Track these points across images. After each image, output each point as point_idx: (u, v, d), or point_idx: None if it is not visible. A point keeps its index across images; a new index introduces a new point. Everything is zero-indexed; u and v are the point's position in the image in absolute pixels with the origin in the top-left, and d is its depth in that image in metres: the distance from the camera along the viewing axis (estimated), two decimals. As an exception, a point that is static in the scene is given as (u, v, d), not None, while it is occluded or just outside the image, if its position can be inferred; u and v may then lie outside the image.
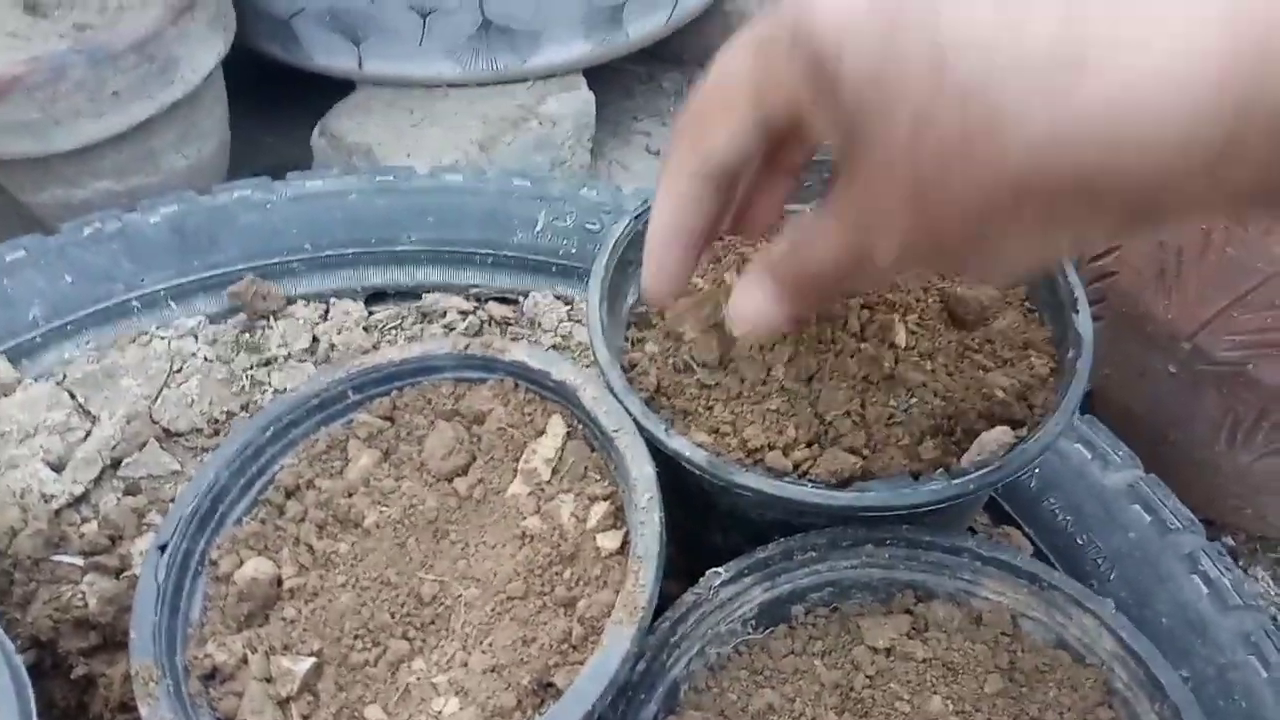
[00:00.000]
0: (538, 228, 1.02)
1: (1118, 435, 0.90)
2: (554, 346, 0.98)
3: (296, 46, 1.45)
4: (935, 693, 0.59)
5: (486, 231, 1.02)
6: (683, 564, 0.71)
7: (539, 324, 1.00)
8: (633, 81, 1.86)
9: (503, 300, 1.03)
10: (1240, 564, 1.16)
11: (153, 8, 1.19)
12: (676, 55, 1.90)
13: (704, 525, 0.73)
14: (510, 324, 1.02)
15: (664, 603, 0.62)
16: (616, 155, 1.72)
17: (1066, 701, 0.59)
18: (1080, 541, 0.83)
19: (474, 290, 1.02)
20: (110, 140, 1.20)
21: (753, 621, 0.65)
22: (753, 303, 0.48)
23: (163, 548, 0.65)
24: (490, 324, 1.02)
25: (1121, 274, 1.00)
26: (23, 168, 1.21)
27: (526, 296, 1.02)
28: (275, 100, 1.63)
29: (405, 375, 0.72)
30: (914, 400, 0.69)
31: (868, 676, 0.61)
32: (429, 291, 1.02)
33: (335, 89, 1.54)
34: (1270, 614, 0.78)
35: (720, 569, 0.64)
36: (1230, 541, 1.18)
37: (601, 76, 1.63)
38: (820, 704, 0.60)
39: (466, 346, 0.71)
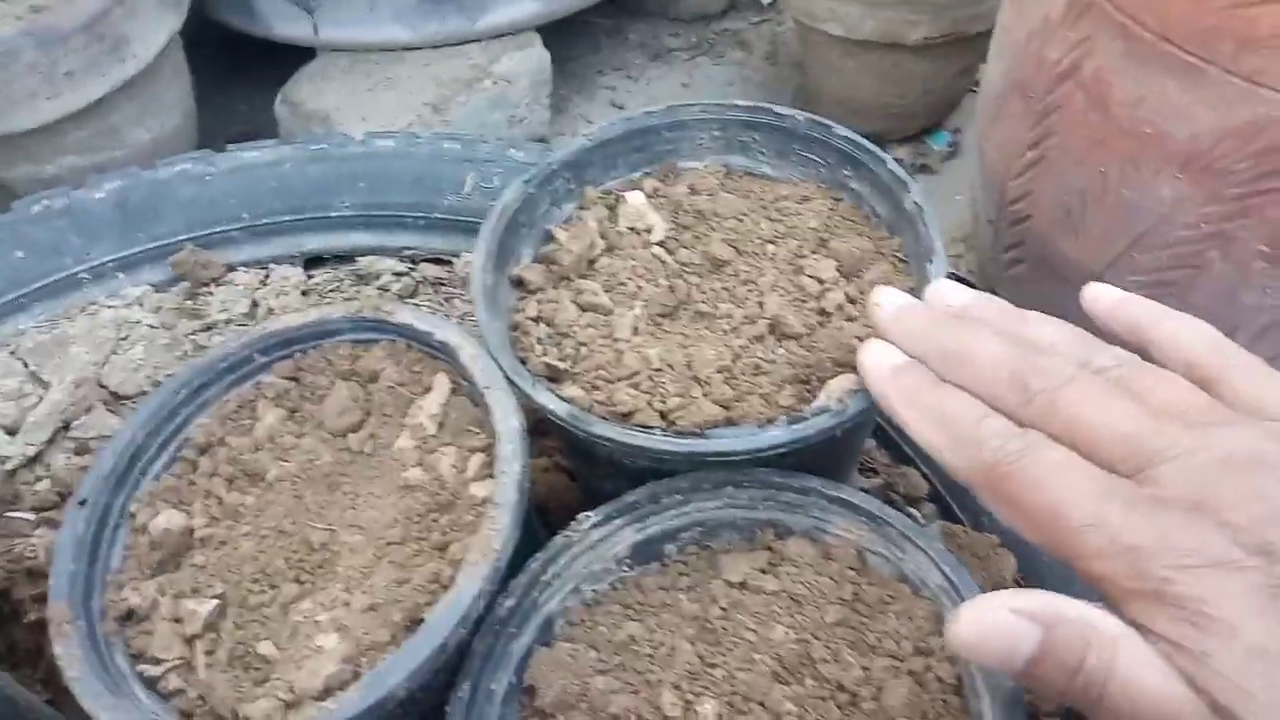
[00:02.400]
0: (466, 189, 1.06)
1: None
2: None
3: (255, 17, 1.48)
4: (779, 622, 0.64)
5: (417, 194, 1.06)
6: (583, 509, 0.76)
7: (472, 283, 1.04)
8: (598, 34, 1.88)
9: (436, 261, 1.07)
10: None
11: (102, -13, 1.23)
12: (643, 7, 1.91)
13: (594, 474, 0.78)
14: (443, 284, 1.06)
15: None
16: (581, 110, 1.74)
17: (904, 630, 0.63)
18: (971, 479, 0.87)
19: (407, 252, 1.07)
20: (70, 118, 1.25)
21: (627, 560, 0.70)
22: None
23: (82, 502, 0.70)
24: (424, 284, 1.06)
25: (1035, 217, 1.02)
26: (-10, 147, 1.26)
27: (459, 257, 1.06)
28: (246, 69, 1.67)
29: (306, 338, 0.77)
30: (783, 352, 0.72)
31: (722, 608, 0.65)
32: (364, 255, 1.06)
33: (303, 56, 1.58)
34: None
35: (590, 512, 0.69)
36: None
37: (567, 31, 1.66)
38: (678, 634, 0.65)
39: (359, 310, 0.76)
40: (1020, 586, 0.79)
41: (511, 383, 0.69)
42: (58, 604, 0.65)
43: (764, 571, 0.67)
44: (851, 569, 0.66)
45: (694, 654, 0.64)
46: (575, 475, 0.88)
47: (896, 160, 0.79)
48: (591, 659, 0.65)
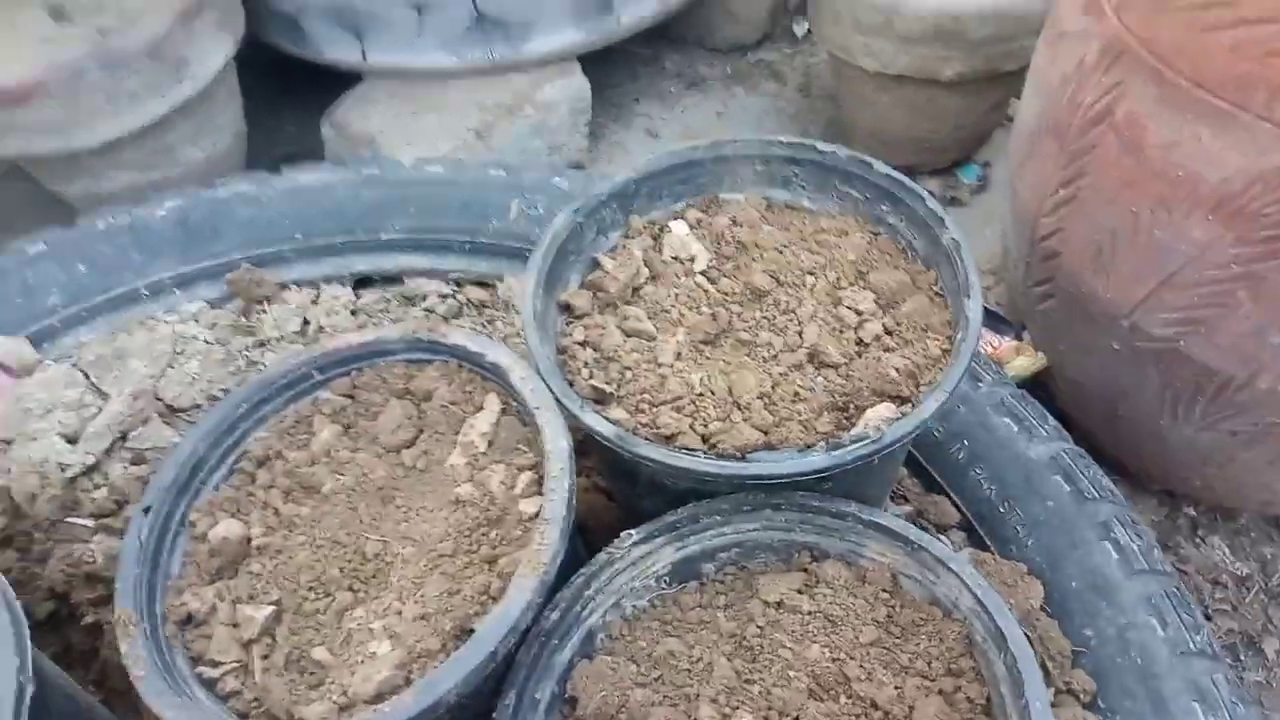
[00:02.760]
0: (511, 215, 1.09)
1: (1067, 409, 0.94)
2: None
3: (305, 41, 1.53)
4: (815, 641, 0.66)
5: (464, 219, 1.10)
6: (622, 528, 0.78)
7: (513, 306, 1.07)
8: (636, 64, 1.92)
9: (480, 284, 1.11)
10: (1198, 534, 1.20)
11: (164, 12, 1.28)
12: (680, 36, 1.95)
13: (635, 494, 0.81)
14: (486, 307, 1.10)
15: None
16: (617, 138, 1.78)
17: (935, 651, 0.65)
18: (1003, 509, 0.89)
19: (453, 275, 1.10)
20: (129, 137, 1.29)
21: (666, 578, 0.72)
22: None
23: (146, 510, 0.73)
24: (468, 306, 1.10)
25: (1065, 255, 1.04)
26: (51, 163, 1.31)
27: (502, 280, 1.09)
28: (295, 91, 1.71)
29: (362, 357, 0.81)
30: (821, 380, 0.75)
31: (759, 626, 0.68)
32: (411, 276, 1.10)
33: (349, 80, 1.63)
34: (1174, 579, 0.83)
35: (632, 531, 0.72)
36: (1191, 512, 1.22)
37: (604, 60, 1.69)
38: (716, 650, 0.67)
39: (414, 331, 0.79)
40: (1046, 614, 0.81)
41: (560, 404, 0.72)
42: (124, 607, 0.68)
43: (800, 592, 0.69)
44: (885, 592, 0.68)
45: (731, 670, 0.66)
46: (614, 495, 0.91)
47: (928, 193, 0.81)
48: (631, 672, 0.67)
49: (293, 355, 0.81)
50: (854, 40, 1.47)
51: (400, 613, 0.68)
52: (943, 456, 0.93)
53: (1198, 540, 1.20)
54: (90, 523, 0.91)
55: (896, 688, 0.63)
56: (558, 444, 0.70)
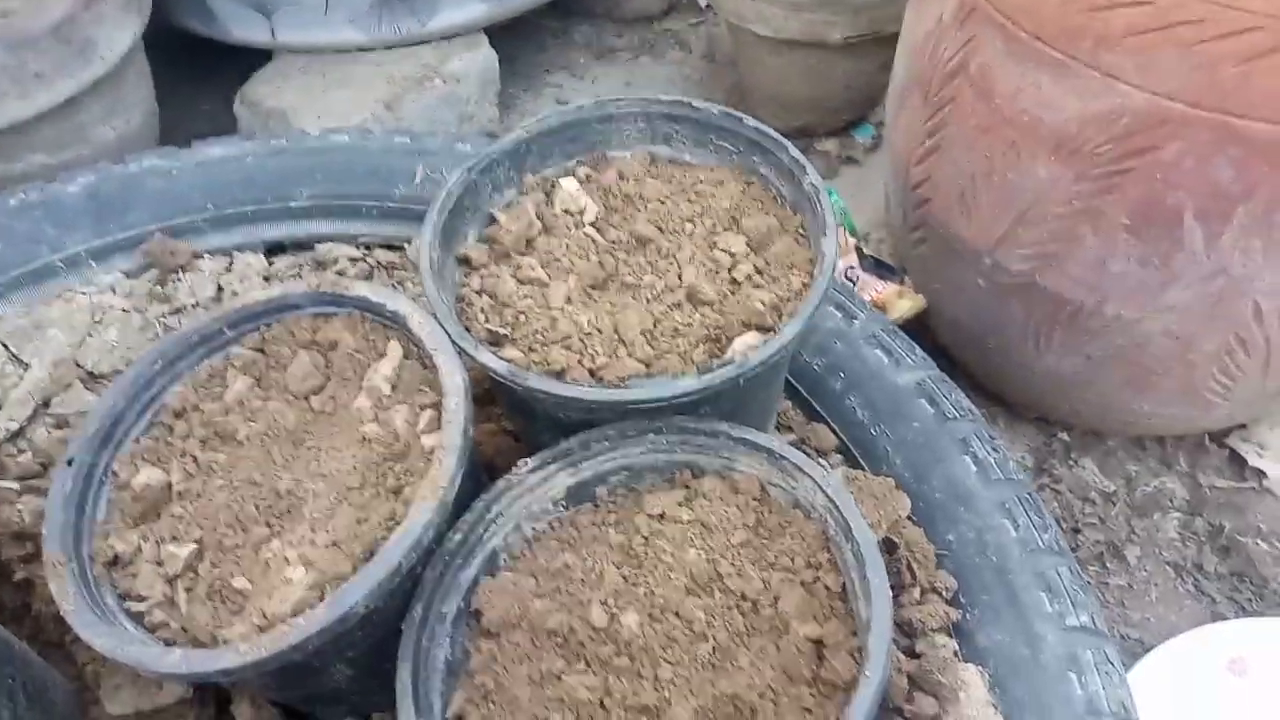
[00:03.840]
0: (416, 180, 1.14)
1: (945, 345, 1.03)
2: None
3: (214, 21, 1.56)
4: (692, 546, 0.73)
5: (371, 185, 1.14)
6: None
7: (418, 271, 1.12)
8: (545, 35, 1.97)
9: (389, 247, 1.16)
10: (1071, 456, 1.30)
11: (67, -6, 1.30)
12: (588, 9, 2.00)
13: (534, 430, 0.87)
14: (396, 268, 1.15)
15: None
16: (528, 107, 1.83)
17: (796, 548, 0.73)
18: (874, 432, 0.97)
19: (362, 239, 1.15)
20: (39, 117, 1.31)
21: (562, 501, 0.79)
22: None
23: (70, 461, 0.78)
24: (378, 269, 1.15)
25: (934, 200, 1.12)
26: (-40, 146, 1.32)
27: (410, 243, 1.15)
28: (205, 71, 1.74)
29: (271, 312, 0.86)
30: (698, 316, 0.82)
31: (643, 536, 0.75)
32: (322, 242, 1.14)
33: (261, 58, 1.65)
34: (1027, 486, 0.92)
35: (528, 459, 0.78)
36: (1064, 438, 1.32)
37: (514, 32, 1.74)
38: (606, 560, 0.74)
39: (319, 286, 0.84)
40: (913, 522, 0.90)
41: (457, 346, 0.78)
42: (52, 550, 0.73)
43: (680, 505, 0.77)
44: (755, 500, 0.76)
45: (619, 575, 0.73)
46: (519, 436, 0.97)
47: (824, 152, 0.89)
48: (531, 586, 0.74)
49: (204, 314, 0.86)
50: (747, 7, 1.54)
51: (313, 542, 0.73)
52: (822, 388, 1.01)
53: (1070, 463, 1.30)
54: (16, 485, 0.95)
55: (764, 581, 0.71)
56: (454, 380, 0.76)
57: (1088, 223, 0.97)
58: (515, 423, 0.95)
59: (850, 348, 1.01)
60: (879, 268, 1.33)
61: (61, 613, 0.70)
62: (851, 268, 1.31)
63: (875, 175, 1.68)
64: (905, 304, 1.25)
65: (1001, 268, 1.08)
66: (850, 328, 1.02)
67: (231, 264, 1.13)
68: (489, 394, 1.00)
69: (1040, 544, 0.88)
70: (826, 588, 0.71)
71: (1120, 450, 1.31)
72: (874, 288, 1.28)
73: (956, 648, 0.84)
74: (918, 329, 1.18)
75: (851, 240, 1.37)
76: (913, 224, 1.19)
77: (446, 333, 0.78)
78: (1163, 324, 1.02)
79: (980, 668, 0.83)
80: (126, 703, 0.81)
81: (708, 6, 2.04)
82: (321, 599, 0.70)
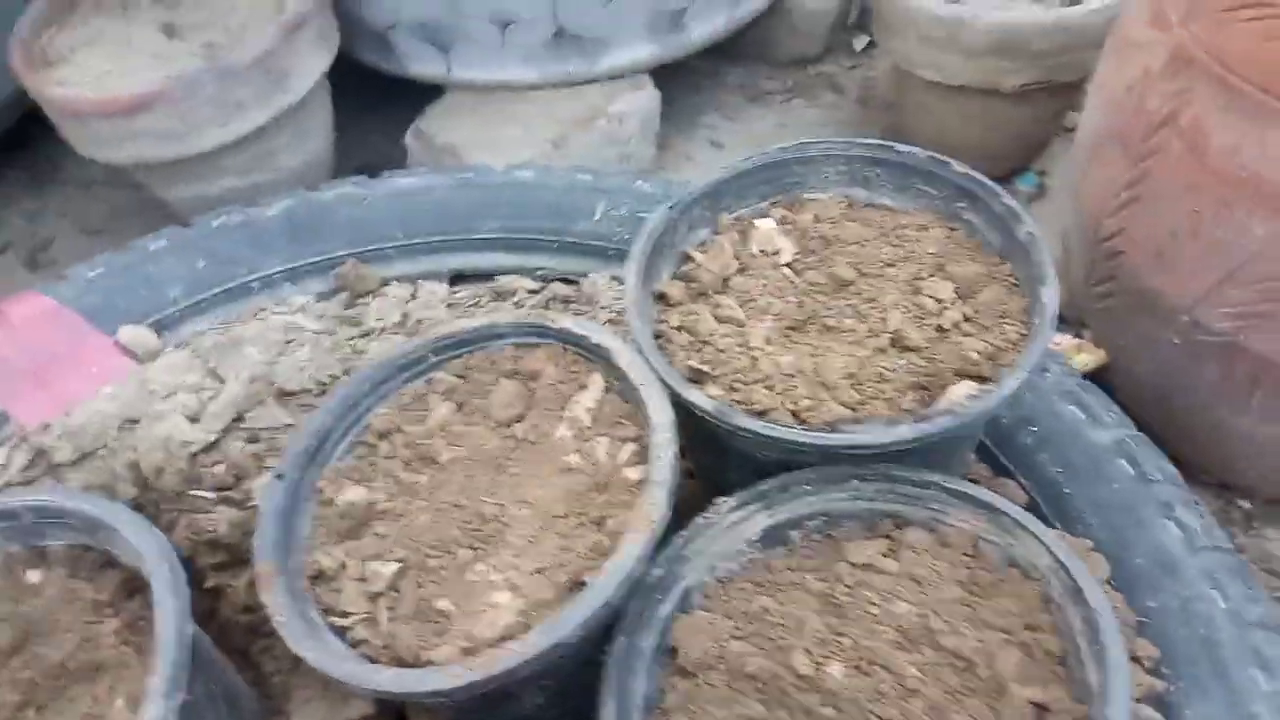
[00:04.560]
0: (596, 216, 1.16)
1: (1125, 402, 0.99)
2: (609, 321, 1.12)
3: (393, 56, 1.62)
4: (900, 599, 0.71)
5: (552, 220, 1.17)
6: (709, 499, 0.84)
7: (596, 301, 1.14)
8: (699, 78, 1.99)
9: (565, 281, 1.17)
10: (1253, 525, 1.23)
11: (269, 26, 1.37)
12: (743, 51, 2.01)
13: (723, 467, 0.86)
14: (571, 302, 1.16)
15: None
16: (682, 148, 1.85)
17: (1014, 608, 0.70)
18: (1068, 491, 0.93)
19: (540, 272, 1.17)
20: (235, 143, 1.38)
21: (757, 543, 0.78)
22: None
23: (280, 476, 0.81)
24: (554, 301, 1.16)
25: (1128, 253, 1.08)
26: (162, 169, 1.40)
27: (586, 277, 1.16)
28: (378, 104, 1.81)
29: (475, 341, 0.87)
30: (904, 362, 0.80)
31: (846, 586, 0.73)
32: (502, 274, 1.17)
33: (430, 93, 1.71)
34: (1235, 555, 0.87)
35: (728, 498, 0.77)
36: (1245, 505, 1.25)
37: (669, 75, 1.76)
38: (806, 607, 0.73)
39: (524, 317, 0.86)
40: (1112, 588, 0.86)
41: (662, 381, 0.78)
42: (264, 561, 0.75)
43: (885, 555, 0.75)
44: (967, 555, 0.74)
45: (822, 624, 0.71)
46: (699, 474, 0.97)
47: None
48: (728, 626, 0.73)
49: (410, 339, 0.88)
50: (918, 53, 1.53)
51: (518, 568, 0.74)
52: (1012, 443, 0.98)
53: (1252, 531, 1.23)
54: (212, 495, 0.99)
55: (979, 640, 0.68)
56: (661, 416, 0.76)
57: (1306, 283, 0.93)
58: (699, 462, 0.95)
59: (1043, 401, 0.98)
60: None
61: (275, 624, 0.72)
62: (1026, 320, 1.27)
63: (1040, 225, 1.63)
64: (1085, 358, 1.21)
65: (1201, 326, 1.03)
66: (1043, 380, 0.99)
67: (416, 291, 1.16)
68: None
69: (1253, 617, 0.83)
70: (1046, 651, 0.68)
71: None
72: (1050, 341, 1.24)
73: (1163, 722, 0.80)
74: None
75: (1025, 292, 1.33)
76: (1100, 276, 1.15)
77: (652, 367, 0.79)
78: (1383, 394, 0.95)
79: (1190, 748, 0.78)
80: (315, 715, 0.82)
81: (865, 50, 2.04)
82: (528, 626, 0.70)
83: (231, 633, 0.96)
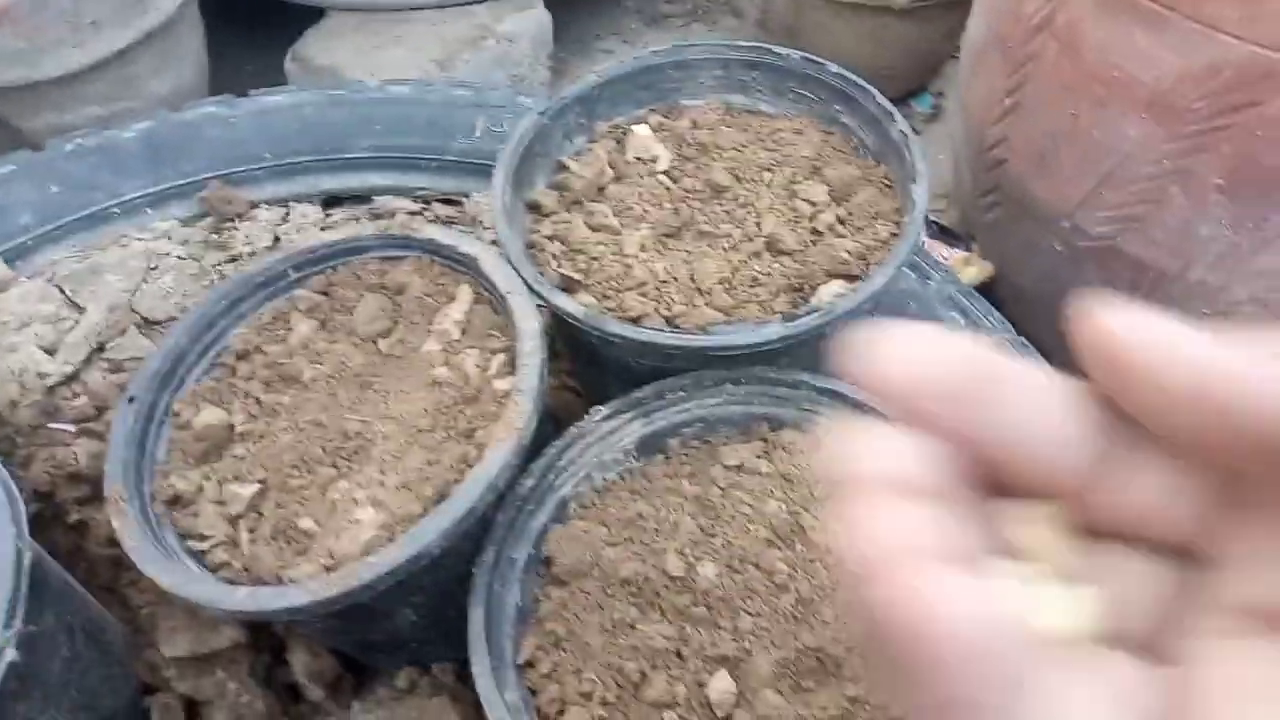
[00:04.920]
0: (476, 133, 1.12)
1: (1014, 315, 1.00)
2: (494, 242, 1.08)
3: (267, -24, 1.54)
4: (773, 497, 0.70)
5: (430, 138, 1.12)
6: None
7: (480, 222, 1.10)
8: (597, 2, 1.94)
9: (447, 201, 1.13)
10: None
11: (125, -59, 1.29)
12: (641, -25, 1.97)
13: (603, 379, 0.84)
14: (454, 222, 1.12)
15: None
16: (579, 72, 1.80)
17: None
18: (949, 396, 0.94)
19: (420, 192, 1.12)
20: (93, 67, 1.30)
21: (633, 452, 0.76)
22: None
23: (131, 399, 0.76)
24: (436, 223, 1.12)
25: (1010, 161, 1.08)
26: (16, 95, 1.31)
27: (468, 197, 1.12)
28: (256, 29, 1.72)
29: (337, 255, 0.83)
30: (778, 266, 0.79)
31: (720, 488, 0.72)
32: (379, 195, 1.12)
33: (311, 16, 1.64)
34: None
35: (601, 406, 0.76)
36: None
37: (565, -2, 1.72)
38: (681, 511, 0.72)
39: (387, 228, 0.82)
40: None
41: (531, 290, 0.75)
42: (114, 485, 0.71)
43: (759, 457, 0.74)
44: (839, 455, 0.73)
45: (695, 526, 0.70)
46: (584, 391, 0.95)
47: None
48: (602, 534, 0.72)
49: (268, 256, 0.84)
50: (809, -31, 1.51)
51: (382, 483, 0.71)
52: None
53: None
54: (72, 428, 0.93)
55: (849, 536, 0.68)
56: (528, 324, 0.73)
57: (1178, 183, 0.93)
58: (582, 376, 0.93)
59: (926, 309, 0.98)
60: (944, 234, 1.30)
61: (124, 549, 0.68)
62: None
63: (935, 145, 1.64)
64: (972, 271, 1.22)
65: (1081, 231, 1.04)
66: (925, 289, 0.99)
67: (288, 214, 1.11)
68: (553, 350, 0.97)
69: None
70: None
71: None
72: (940, 254, 1.25)
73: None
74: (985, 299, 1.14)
75: (915, 208, 1.34)
76: (985, 187, 1.15)
77: (520, 276, 0.76)
78: (1250, 291, 0.98)
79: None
80: (182, 645, 0.79)
81: (762, -26, 2.01)
82: (391, 540, 0.67)
83: (98, 567, 0.92)
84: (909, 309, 0.98)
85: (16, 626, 0.62)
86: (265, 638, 0.84)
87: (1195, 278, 0.98)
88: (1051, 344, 1.20)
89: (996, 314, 0.98)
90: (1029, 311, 1.23)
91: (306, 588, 0.63)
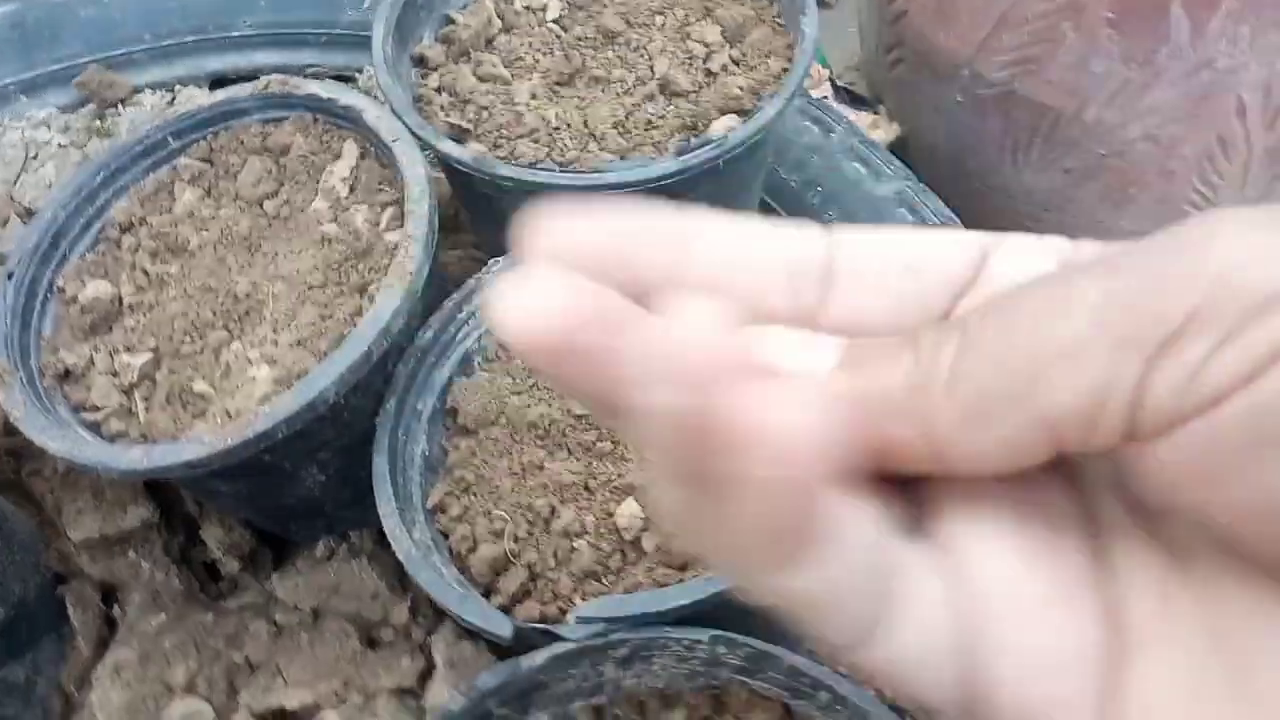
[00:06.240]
0: (365, 4, 1.08)
1: (923, 174, 1.00)
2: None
3: None
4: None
5: (318, 11, 1.08)
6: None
7: (375, 97, 1.07)
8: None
9: (339, 78, 1.09)
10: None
11: None
12: None
13: (498, 235, 0.83)
14: (349, 99, 1.09)
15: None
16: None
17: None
18: (854, 243, 0.94)
19: (310, 70, 1.08)
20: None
21: (535, 304, 0.76)
22: None
23: (10, 275, 0.74)
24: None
25: (910, 12, 1.08)
26: None
27: (361, 72, 1.09)
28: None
29: (217, 120, 0.80)
30: (672, 108, 0.78)
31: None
32: (267, 74, 1.08)
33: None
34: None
35: (499, 258, 0.75)
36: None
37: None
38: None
39: (266, 87, 0.79)
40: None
41: (418, 140, 0.73)
42: (-2, 360, 0.69)
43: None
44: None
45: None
46: (486, 258, 0.93)
47: None
48: (507, 384, 0.71)
49: (145, 124, 0.80)
50: None
51: (275, 342, 0.70)
52: (799, 204, 0.98)
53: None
54: (-43, 323, 0.90)
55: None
56: (415, 171, 0.71)
57: (1070, 19, 0.94)
58: (481, 234, 0.91)
59: (828, 161, 0.98)
60: (853, 100, 1.29)
61: (11, 420, 0.66)
62: (825, 98, 1.27)
63: (847, 17, 1.62)
64: (879, 133, 1.22)
65: (980, 78, 1.04)
66: (828, 141, 0.99)
67: (174, 98, 1.06)
68: (455, 219, 0.96)
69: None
70: None
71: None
72: (809, 67, 1.25)
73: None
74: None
75: (824, 72, 1.32)
76: (888, 43, 1.14)
77: (405, 124, 0.74)
78: (1143, 128, 0.99)
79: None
80: (90, 526, 0.77)
81: None
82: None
83: (-1, 464, 0.89)
84: (812, 162, 0.98)
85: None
86: (178, 518, 0.83)
87: (1091, 117, 0.99)
88: (959, 200, 1.21)
89: (897, 162, 0.98)
90: (939, 171, 1.24)
91: (202, 440, 0.62)
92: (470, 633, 0.75)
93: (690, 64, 0.80)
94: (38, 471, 0.84)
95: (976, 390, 0.20)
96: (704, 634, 0.53)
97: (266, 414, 0.62)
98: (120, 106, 1.04)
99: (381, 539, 0.80)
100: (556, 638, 0.55)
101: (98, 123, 1.03)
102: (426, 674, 0.72)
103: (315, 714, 0.70)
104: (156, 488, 0.81)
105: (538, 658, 0.54)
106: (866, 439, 0.21)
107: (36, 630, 0.77)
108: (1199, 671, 0.21)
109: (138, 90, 1.05)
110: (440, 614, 0.77)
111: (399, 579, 0.77)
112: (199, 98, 1.03)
